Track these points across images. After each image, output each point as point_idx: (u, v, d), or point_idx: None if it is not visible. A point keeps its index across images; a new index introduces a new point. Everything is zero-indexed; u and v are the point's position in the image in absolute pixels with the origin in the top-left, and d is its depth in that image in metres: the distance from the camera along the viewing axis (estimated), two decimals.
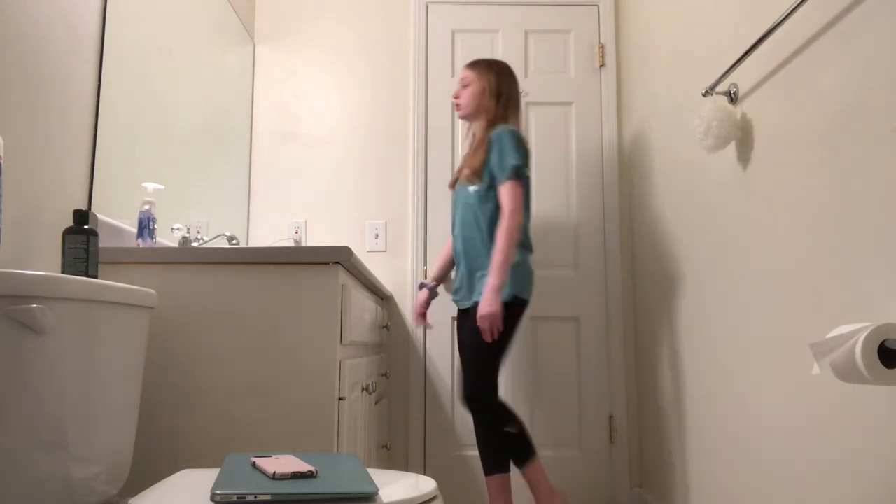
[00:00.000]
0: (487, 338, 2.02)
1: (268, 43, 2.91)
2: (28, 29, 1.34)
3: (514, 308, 2.08)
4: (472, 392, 2.05)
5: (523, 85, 2.88)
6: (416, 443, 2.69)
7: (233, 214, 2.62)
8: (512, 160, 2.05)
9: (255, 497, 0.92)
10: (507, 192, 2.06)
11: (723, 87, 1.81)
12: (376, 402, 2.28)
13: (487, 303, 1.99)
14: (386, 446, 2.35)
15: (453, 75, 2.89)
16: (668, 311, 2.32)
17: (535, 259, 2.76)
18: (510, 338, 2.08)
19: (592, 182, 2.85)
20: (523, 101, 2.87)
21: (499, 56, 2.91)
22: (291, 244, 2.75)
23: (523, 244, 2.12)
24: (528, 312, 2.78)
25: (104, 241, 1.60)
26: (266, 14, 2.93)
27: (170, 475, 1.24)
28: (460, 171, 2.25)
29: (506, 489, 2.03)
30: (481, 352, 2.05)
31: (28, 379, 0.96)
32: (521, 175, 2.07)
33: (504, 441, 2.03)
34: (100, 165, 1.62)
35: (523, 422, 2.14)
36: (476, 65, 2.25)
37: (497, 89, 2.20)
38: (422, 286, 2.40)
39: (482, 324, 2.00)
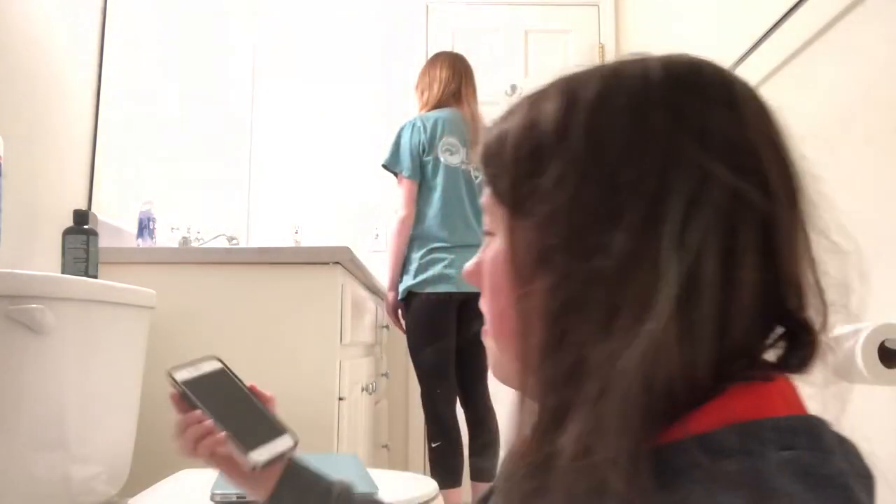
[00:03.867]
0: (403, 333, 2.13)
1: (268, 42, 2.91)
2: (28, 29, 1.34)
3: (413, 303, 2.02)
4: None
5: (524, 85, 2.88)
6: (416, 443, 2.69)
7: (233, 214, 2.62)
8: (384, 161, 2.09)
9: None
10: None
11: None
12: (376, 403, 2.28)
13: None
14: (386, 446, 2.35)
15: None
16: None
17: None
18: (425, 335, 2.00)
19: None
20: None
21: (498, 56, 2.90)
22: (291, 244, 2.75)
23: (424, 238, 2.04)
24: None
25: (104, 241, 1.59)
26: (266, 13, 2.93)
27: (170, 475, 1.24)
28: None
29: None
30: (410, 350, 2.07)
31: (28, 379, 0.96)
32: (408, 173, 2.04)
33: (432, 452, 2.02)
34: (100, 165, 1.61)
35: (461, 448, 2.02)
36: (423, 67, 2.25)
37: (421, 85, 2.19)
38: None
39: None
